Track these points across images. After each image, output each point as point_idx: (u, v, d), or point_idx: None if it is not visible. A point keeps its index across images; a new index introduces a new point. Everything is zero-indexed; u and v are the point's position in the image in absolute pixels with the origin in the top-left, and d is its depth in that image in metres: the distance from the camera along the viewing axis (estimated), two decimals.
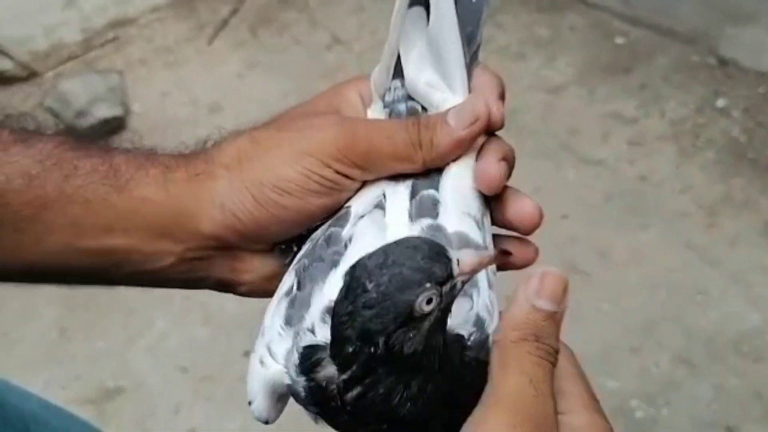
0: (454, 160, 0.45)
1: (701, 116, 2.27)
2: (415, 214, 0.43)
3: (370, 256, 0.35)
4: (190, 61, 3.23)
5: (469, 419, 0.38)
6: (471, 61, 0.47)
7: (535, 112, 2.43)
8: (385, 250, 0.35)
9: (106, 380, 1.89)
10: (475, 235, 0.43)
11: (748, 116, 2.24)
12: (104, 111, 2.61)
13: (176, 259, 0.48)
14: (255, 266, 0.49)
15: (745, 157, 2.13)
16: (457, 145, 0.44)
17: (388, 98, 0.48)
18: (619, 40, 2.58)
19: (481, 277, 0.42)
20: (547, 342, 0.38)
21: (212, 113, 2.87)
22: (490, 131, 0.46)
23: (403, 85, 0.47)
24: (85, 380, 1.89)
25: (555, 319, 0.39)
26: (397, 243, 0.35)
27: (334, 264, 0.42)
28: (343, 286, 0.35)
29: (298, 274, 0.43)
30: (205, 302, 1.99)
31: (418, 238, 0.37)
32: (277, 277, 0.48)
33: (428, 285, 0.34)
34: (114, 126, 2.65)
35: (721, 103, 2.31)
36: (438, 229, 0.42)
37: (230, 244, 0.47)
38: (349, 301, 0.34)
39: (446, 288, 0.35)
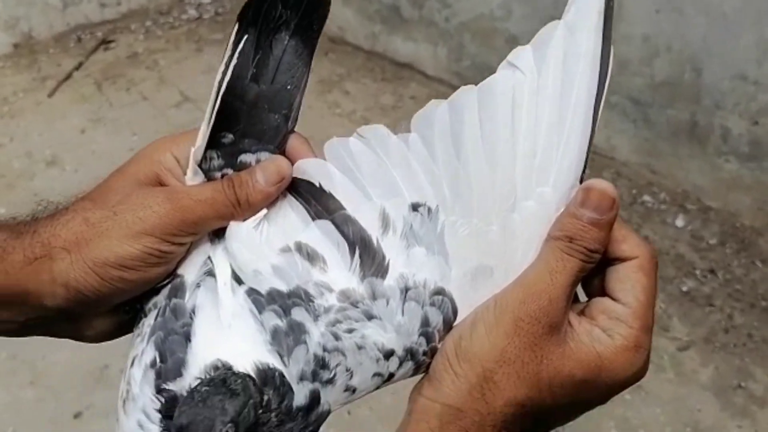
0: None
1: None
2: (237, 280, 0.49)
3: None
4: (28, 112, 3.09)
5: (500, 292, 0.46)
6: (289, 132, 0.53)
7: None
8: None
9: None
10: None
11: None
12: None
13: (18, 326, 0.51)
14: (96, 325, 0.53)
15: None
16: (267, 199, 0.50)
17: (205, 166, 0.52)
18: None
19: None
20: (582, 243, 0.45)
21: (50, 167, 2.75)
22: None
23: (218, 156, 0.52)
24: None
25: (600, 225, 0.45)
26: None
27: (187, 336, 0.47)
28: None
29: (158, 347, 0.48)
30: (33, 361, 1.87)
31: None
32: (116, 330, 0.54)
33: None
34: None
35: None
36: (255, 291, 0.48)
37: (73, 313, 0.50)
38: None
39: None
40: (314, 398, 0.46)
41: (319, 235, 0.48)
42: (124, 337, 1.93)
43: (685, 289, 2.03)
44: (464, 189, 0.48)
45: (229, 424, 0.42)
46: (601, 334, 0.45)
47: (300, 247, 0.48)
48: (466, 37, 2.81)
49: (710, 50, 2.12)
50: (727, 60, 2.10)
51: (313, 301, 0.46)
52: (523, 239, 0.47)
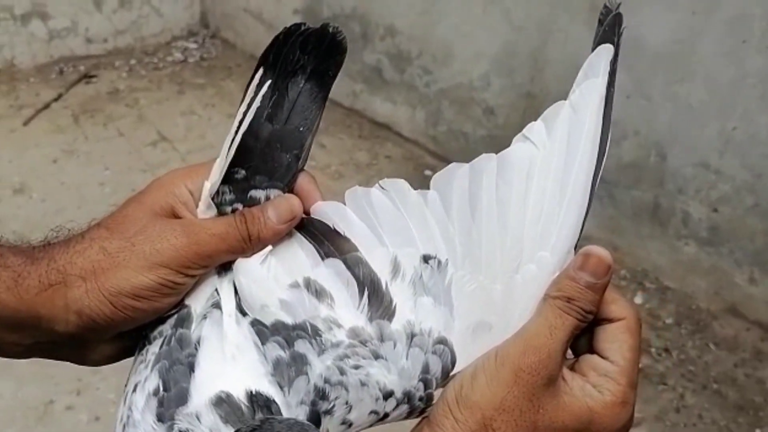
0: None
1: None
2: (242, 312, 0.51)
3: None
4: (1, 138, 3.05)
5: (500, 344, 0.48)
6: (299, 170, 0.55)
7: None
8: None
9: None
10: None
11: None
12: None
13: (23, 349, 0.51)
14: (100, 350, 0.53)
15: None
16: (276, 235, 0.52)
17: (217, 200, 0.54)
18: (428, 173, 2.86)
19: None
20: (579, 304, 0.48)
21: (16, 194, 2.71)
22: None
23: (230, 191, 0.54)
24: None
25: (595, 288, 0.48)
26: (289, 426, 0.43)
27: (191, 366, 0.48)
28: None
29: (161, 375, 0.48)
30: None
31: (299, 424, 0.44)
32: (119, 355, 0.55)
33: None
34: None
35: None
36: (259, 322, 0.50)
37: (80, 338, 0.51)
38: None
39: None
40: (314, 418, 0.47)
41: (329, 273, 0.50)
42: (69, 375, 1.90)
43: (639, 365, 2.06)
44: (475, 247, 0.50)
45: None
46: (592, 389, 0.47)
47: (308, 283, 0.50)
48: (444, 103, 2.89)
49: (675, 137, 2.21)
50: (690, 148, 2.19)
51: (320, 335, 0.48)
52: (522, 300, 0.49)
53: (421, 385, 0.48)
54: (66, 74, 3.67)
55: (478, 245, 0.50)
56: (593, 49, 0.53)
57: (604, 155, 0.53)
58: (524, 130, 0.53)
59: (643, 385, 1.99)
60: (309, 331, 0.48)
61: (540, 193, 0.51)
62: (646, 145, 2.28)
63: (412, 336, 0.48)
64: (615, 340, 0.49)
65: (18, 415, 1.81)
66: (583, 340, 0.51)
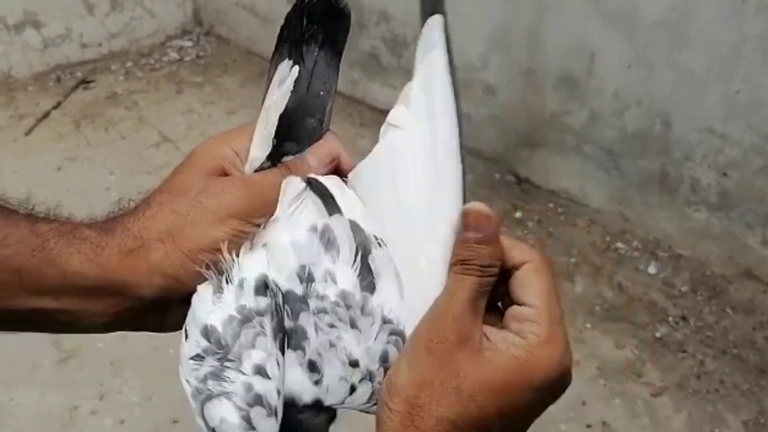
0: None
1: (502, 226, 2.52)
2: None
3: None
4: (4, 149, 3.06)
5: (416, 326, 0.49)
6: (324, 132, 0.58)
7: None
8: None
9: None
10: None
11: (541, 227, 2.55)
12: None
13: (109, 319, 0.53)
14: (182, 312, 0.54)
15: None
16: None
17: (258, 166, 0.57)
18: None
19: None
20: (475, 262, 0.49)
21: (23, 204, 2.72)
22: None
23: (266, 159, 0.56)
24: None
25: (485, 241, 0.49)
26: None
27: None
28: None
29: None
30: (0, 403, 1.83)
31: None
32: None
33: None
34: None
35: (518, 215, 2.60)
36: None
37: (165, 301, 0.52)
38: None
39: None
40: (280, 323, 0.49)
41: (340, 227, 0.51)
42: (91, 380, 1.88)
43: (658, 335, 2.06)
44: (397, 246, 0.52)
45: None
46: (515, 337, 0.47)
47: (325, 231, 0.51)
48: None
49: (678, 105, 2.20)
50: (694, 114, 2.17)
51: (313, 281, 0.49)
52: (433, 281, 0.50)
53: (382, 371, 0.49)
54: (63, 81, 3.67)
55: (394, 242, 0.51)
56: (422, 23, 0.55)
57: (461, 119, 0.54)
58: (387, 118, 0.55)
59: (663, 354, 1.99)
60: (305, 275, 0.49)
61: (420, 172, 0.52)
62: (650, 114, 2.27)
63: (384, 321, 0.49)
64: (525, 284, 0.49)
65: (44, 422, 1.82)
66: (507, 299, 0.50)
